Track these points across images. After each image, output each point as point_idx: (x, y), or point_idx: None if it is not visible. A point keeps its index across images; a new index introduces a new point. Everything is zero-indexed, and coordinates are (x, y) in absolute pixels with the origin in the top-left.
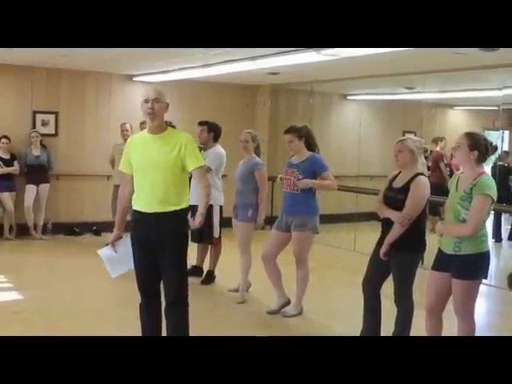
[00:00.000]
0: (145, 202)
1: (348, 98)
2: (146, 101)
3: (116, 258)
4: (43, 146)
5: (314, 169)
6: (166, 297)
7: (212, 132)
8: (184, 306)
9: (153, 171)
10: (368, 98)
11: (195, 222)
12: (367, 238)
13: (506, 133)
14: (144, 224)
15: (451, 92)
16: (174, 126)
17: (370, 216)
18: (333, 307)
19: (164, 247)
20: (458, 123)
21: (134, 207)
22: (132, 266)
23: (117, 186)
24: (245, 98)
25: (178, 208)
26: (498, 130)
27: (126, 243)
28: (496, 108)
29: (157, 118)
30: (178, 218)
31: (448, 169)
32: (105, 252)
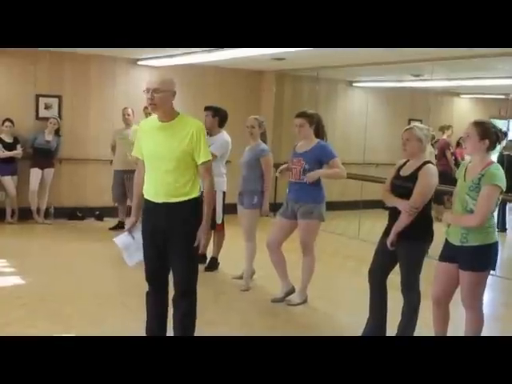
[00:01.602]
0: (154, 191)
1: (353, 84)
2: (147, 90)
3: (134, 245)
4: (57, 134)
5: (319, 158)
6: (175, 287)
7: (217, 117)
8: (192, 298)
9: (161, 161)
10: (373, 86)
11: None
12: (371, 225)
13: None
14: (153, 213)
15: (459, 80)
16: None
17: (375, 204)
18: (337, 296)
19: (173, 237)
20: (464, 111)
21: (145, 195)
22: None
23: (117, 172)
24: (250, 84)
25: (187, 198)
26: (505, 119)
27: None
28: (503, 97)
29: (158, 109)
30: (188, 208)
31: (453, 157)
32: (121, 239)
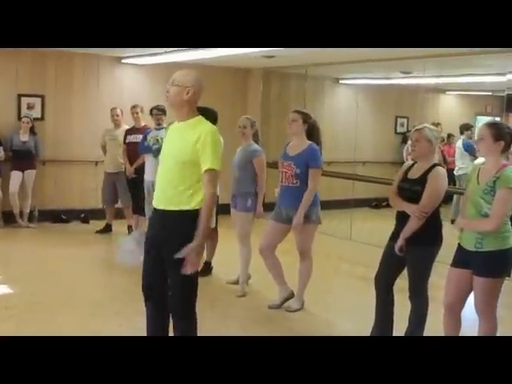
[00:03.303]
0: (156, 196)
1: (340, 81)
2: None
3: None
4: (33, 133)
5: (307, 160)
6: (170, 307)
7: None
8: (189, 320)
9: (167, 162)
10: (360, 83)
11: (187, 261)
12: (361, 226)
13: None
14: (152, 221)
15: (447, 77)
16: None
17: (363, 202)
18: (335, 300)
19: (169, 251)
20: (450, 108)
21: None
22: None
23: (108, 174)
24: (236, 82)
25: (185, 208)
26: (492, 115)
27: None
28: (490, 93)
29: (169, 103)
30: (185, 219)
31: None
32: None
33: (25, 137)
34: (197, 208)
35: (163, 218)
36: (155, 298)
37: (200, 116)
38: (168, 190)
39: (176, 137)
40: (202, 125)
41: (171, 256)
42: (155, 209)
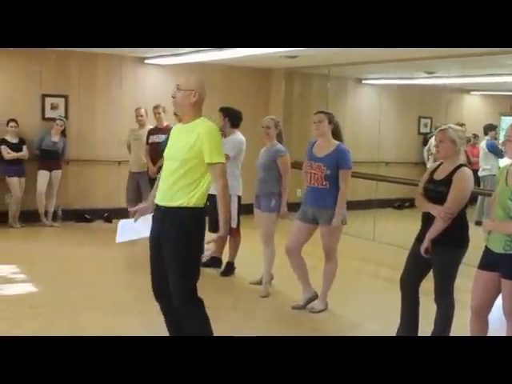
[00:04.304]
0: (159, 194)
1: (363, 82)
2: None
3: (131, 225)
4: (63, 134)
5: (337, 160)
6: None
7: (227, 118)
8: (187, 311)
9: (170, 162)
10: (383, 83)
11: (220, 231)
12: (385, 226)
13: None
14: (155, 217)
15: (471, 77)
16: None
17: (386, 203)
18: (359, 302)
19: (166, 246)
20: (474, 108)
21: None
22: (146, 234)
23: (132, 173)
24: (258, 82)
25: (183, 204)
26: None
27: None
28: None
29: (177, 107)
30: (183, 216)
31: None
32: (124, 220)
33: (56, 138)
34: (194, 206)
35: (164, 215)
36: (162, 303)
37: (202, 117)
38: (170, 188)
39: (178, 138)
40: (201, 124)
41: (168, 249)
42: (157, 205)
